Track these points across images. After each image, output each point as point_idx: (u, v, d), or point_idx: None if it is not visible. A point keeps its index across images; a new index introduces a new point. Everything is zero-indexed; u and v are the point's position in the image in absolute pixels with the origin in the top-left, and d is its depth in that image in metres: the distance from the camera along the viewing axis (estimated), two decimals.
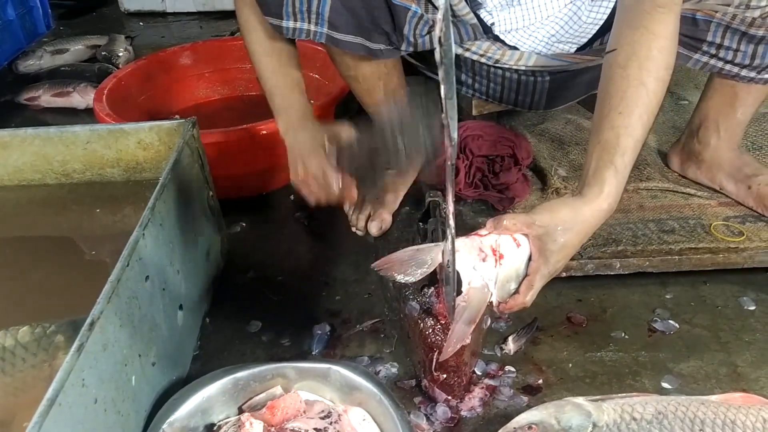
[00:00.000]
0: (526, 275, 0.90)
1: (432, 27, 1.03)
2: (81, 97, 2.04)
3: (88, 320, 0.79)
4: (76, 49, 2.37)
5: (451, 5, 1.01)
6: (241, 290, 1.31)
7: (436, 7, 1.02)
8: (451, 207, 0.68)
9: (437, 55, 0.62)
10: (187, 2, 2.96)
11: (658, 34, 0.89)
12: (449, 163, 0.64)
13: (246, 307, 1.26)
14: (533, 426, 0.89)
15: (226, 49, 1.92)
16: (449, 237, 0.72)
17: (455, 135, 0.59)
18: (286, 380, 0.99)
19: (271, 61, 1.12)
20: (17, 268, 1.20)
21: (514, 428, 0.91)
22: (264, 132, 1.46)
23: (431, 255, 0.84)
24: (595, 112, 0.93)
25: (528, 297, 0.90)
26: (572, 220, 0.84)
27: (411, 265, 0.85)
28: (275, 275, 1.34)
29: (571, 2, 1.10)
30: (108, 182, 1.32)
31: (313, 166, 1.02)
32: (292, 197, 1.58)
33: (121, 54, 2.32)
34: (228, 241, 1.39)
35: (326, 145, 1.01)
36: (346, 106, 1.71)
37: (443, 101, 0.62)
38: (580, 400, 0.92)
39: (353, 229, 1.36)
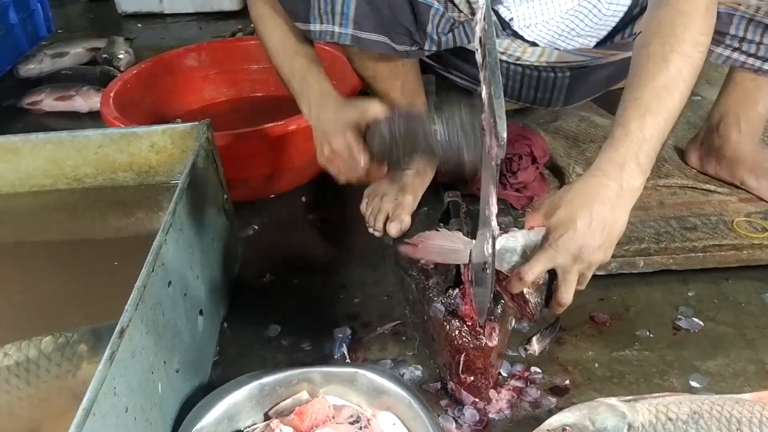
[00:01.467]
0: None
1: (454, 24, 1.02)
2: (84, 101, 2.01)
3: (118, 328, 0.77)
4: (76, 52, 2.35)
5: (470, 2, 1.00)
6: (258, 294, 1.29)
7: (456, 5, 1.02)
8: (494, 209, 0.67)
9: (479, 57, 0.61)
10: (185, 3, 2.94)
11: (683, 10, 0.86)
12: (494, 163, 0.62)
13: (264, 312, 1.24)
14: (567, 428, 0.88)
15: (231, 50, 1.90)
16: (489, 240, 0.71)
17: (504, 135, 0.57)
18: (312, 385, 0.98)
19: (285, 45, 1.10)
20: (31, 276, 1.18)
21: (548, 430, 0.89)
22: (274, 134, 1.45)
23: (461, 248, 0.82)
24: (622, 98, 0.88)
25: (525, 269, 0.85)
26: (567, 192, 0.83)
27: (440, 252, 0.82)
28: (291, 278, 1.32)
29: None
30: (120, 186, 1.30)
31: (338, 143, 0.97)
32: (303, 199, 1.57)
33: (122, 56, 2.30)
34: (241, 245, 1.38)
35: (351, 123, 0.96)
36: None
37: (488, 101, 0.61)
38: (612, 400, 0.91)
39: (370, 230, 1.35)
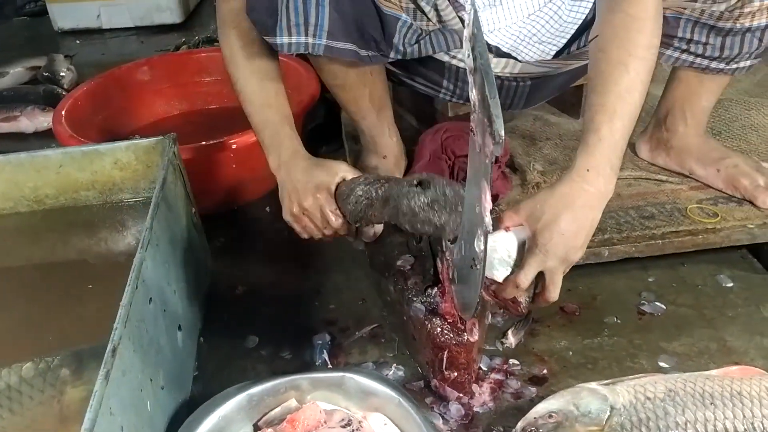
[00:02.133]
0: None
1: (421, 35, 1.04)
2: (29, 121, 1.95)
3: (110, 347, 0.76)
4: (15, 72, 2.28)
5: (437, 8, 1.03)
6: (232, 306, 1.29)
7: (425, 14, 1.05)
8: (488, 205, 0.69)
9: (469, 61, 0.63)
10: (123, 18, 2.88)
11: (636, 15, 0.92)
12: (488, 160, 0.65)
13: (240, 323, 1.24)
14: (553, 414, 0.92)
15: (183, 63, 1.88)
16: (481, 237, 0.73)
17: (502, 133, 0.60)
18: (299, 392, 0.98)
19: (259, 96, 1.11)
20: None
21: (534, 418, 0.93)
22: (236, 145, 1.45)
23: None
24: (585, 98, 0.96)
25: (521, 277, 0.91)
26: (549, 197, 0.88)
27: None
28: (265, 288, 1.32)
29: (551, 1, 1.13)
30: (83, 206, 1.28)
31: (309, 203, 1.02)
32: (267, 209, 1.56)
33: (64, 74, 2.24)
34: (211, 258, 1.37)
35: (323, 184, 1.01)
36: (313, 115, 1.71)
37: (481, 102, 0.63)
38: (593, 385, 0.95)
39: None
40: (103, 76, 1.78)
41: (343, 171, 1.02)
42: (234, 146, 1.43)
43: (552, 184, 0.93)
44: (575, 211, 0.88)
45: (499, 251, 0.92)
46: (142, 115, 1.82)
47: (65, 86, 2.17)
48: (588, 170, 0.89)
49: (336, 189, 1.02)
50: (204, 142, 1.43)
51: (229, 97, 1.84)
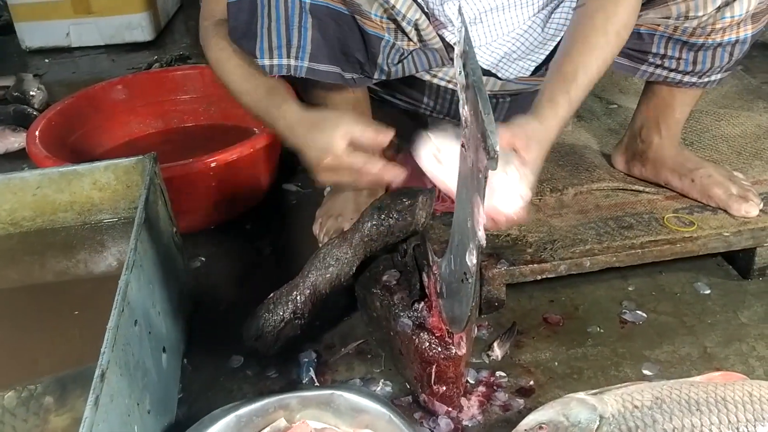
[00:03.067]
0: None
1: (403, 55, 1.05)
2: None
3: (98, 372, 0.75)
4: None
5: (418, 27, 1.04)
6: (215, 326, 1.27)
7: (405, 33, 1.06)
8: (481, 219, 0.70)
9: (461, 79, 0.64)
10: (93, 36, 2.84)
11: (617, 3, 0.99)
12: (482, 176, 0.66)
13: (224, 343, 1.22)
14: (543, 425, 0.92)
15: (158, 81, 1.86)
16: (474, 251, 0.74)
17: (497, 147, 0.61)
18: (288, 411, 0.98)
19: (247, 80, 1.07)
20: None
21: (525, 430, 0.93)
22: (216, 163, 1.44)
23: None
24: (557, 53, 1.01)
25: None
26: (539, 134, 0.91)
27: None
28: (247, 306, 1.29)
29: (530, 18, 1.15)
30: (61, 228, 1.25)
31: (341, 146, 0.92)
32: (248, 226, 1.55)
33: (34, 93, 2.20)
34: (191, 277, 1.35)
35: (347, 131, 0.93)
36: None
37: (475, 117, 0.64)
38: (581, 395, 0.96)
39: None
40: (76, 95, 1.76)
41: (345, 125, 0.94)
42: (213, 164, 1.42)
43: (531, 121, 0.93)
44: (544, 149, 0.93)
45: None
46: (116, 134, 1.80)
47: (36, 106, 2.13)
48: (563, 117, 0.95)
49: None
50: (183, 161, 1.41)
51: (206, 114, 1.86)
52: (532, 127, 0.90)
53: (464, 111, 0.69)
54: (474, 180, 0.69)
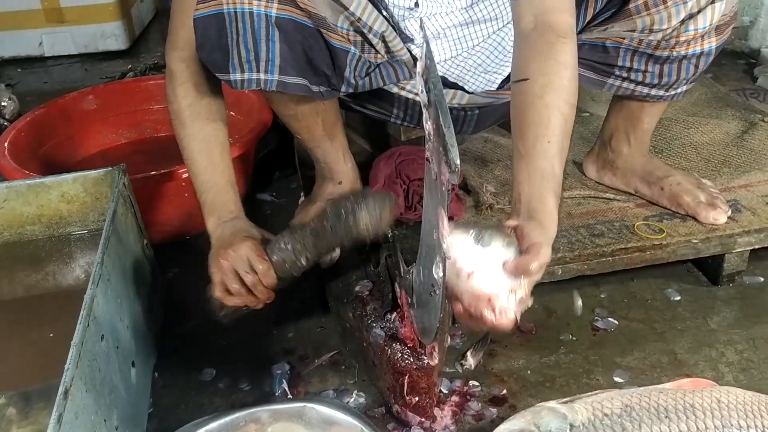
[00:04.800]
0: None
1: (370, 68, 1.06)
2: None
3: (61, 389, 0.74)
4: None
5: (385, 39, 1.04)
6: (187, 339, 1.26)
7: (372, 46, 1.06)
8: (446, 232, 0.70)
9: (423, 96, 0.64)
10: (67, 45, 2.81)
11: (566, 64, 0.94)
12: (445, 188, 0.66)
13: (195, 356, 1.21)
14: None
15: (129, 91, 1.85)
16: (440, 264, 0.74)
17: (457, 161, 0.61)
18: (259, 425, 0.97)
19: (204, 157, 1.09)
20: None
21: None
22: (187, 174, 1.42)
23: None
24: (518, 137, 0.93)
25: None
26: (543, 236, 0.84)
27: None
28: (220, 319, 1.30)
29: (495, 33, 1.16)
30: (29, 240, 1.24)
31: (234, 248, 1.00)
32: None
33: (5, 104, 2.17)
34: (163, 289, 1.34)
35: (254, 234, 1.03)
36: (265, 141, 1.70)
37: (436, 132, 0.64)
38: (552, 404, 0.97)
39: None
40: (46, 106, 1.74)
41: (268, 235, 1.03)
42: (185, 175, 1.41)
43: (537, 229, 0.87)
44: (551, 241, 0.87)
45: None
46: (88, 144, 1.78)
47: (7, 117, 2.10)
48: (557, 219, 0.88)
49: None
50: (154, 172, 1.40)
51: None
52: (537, 233, 0.83)
53: (427, 126, 0.69)
54: (437, 192, 0.69)
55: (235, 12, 0.96)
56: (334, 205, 0.96)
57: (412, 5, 1.07)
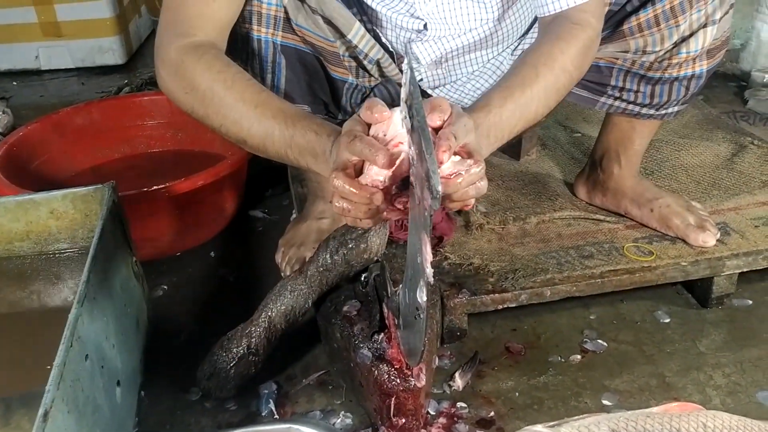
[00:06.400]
0: None
1: (365, 94, 1.07)
2: None
3: (41, 411, 0.73)
4: None
5: (380, 65, 1.05)
6: (174, 357, 1.25)
7: (366, 71, 1.06)
8: (428, 256, 0.70)
9: (407, 123, 0.64)
10: (64, 59, 2.82)
11: (563, 38, 0.95)
12: (427, 213, 0.66)
13: (182, 375, 1.20)
14: None
15: (124, 106, 1.85)
16: (424, 288, 0.74)
17: (439, 188, 0.61)
18: None
19: (258, 109, 0.88)
20: None
21: None
22: (180, 190, 1.43)
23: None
24: (505, 78, 0.95)
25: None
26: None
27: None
28: (207, 337, 1.28)
29: (494, 57, 1.17)
30: (17, 257, 1.23)
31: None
32: (212, 254, 1.54)
33: None
34: (152, 306, 1.33)
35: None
36: (258, 158, 1.70)
37: (419, 157, 0.65)
38: (539, 427, 0.95)
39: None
40: (40, 120, 1.74)
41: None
42: (177, 191, 1.41)
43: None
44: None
45: None
46: (81, 160, 1.78)
47: (0, 130, 2.11)
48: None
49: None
50: (146, 188, 1.40)
51: (173, 140, 1.85)
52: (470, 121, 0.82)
53: (411, 151, 0.69)
54: (421, 218, 0.69)
55: (248, 36, 0.96)
56: (344, 235, 0.96)
57: (421, 27, 1.08)
